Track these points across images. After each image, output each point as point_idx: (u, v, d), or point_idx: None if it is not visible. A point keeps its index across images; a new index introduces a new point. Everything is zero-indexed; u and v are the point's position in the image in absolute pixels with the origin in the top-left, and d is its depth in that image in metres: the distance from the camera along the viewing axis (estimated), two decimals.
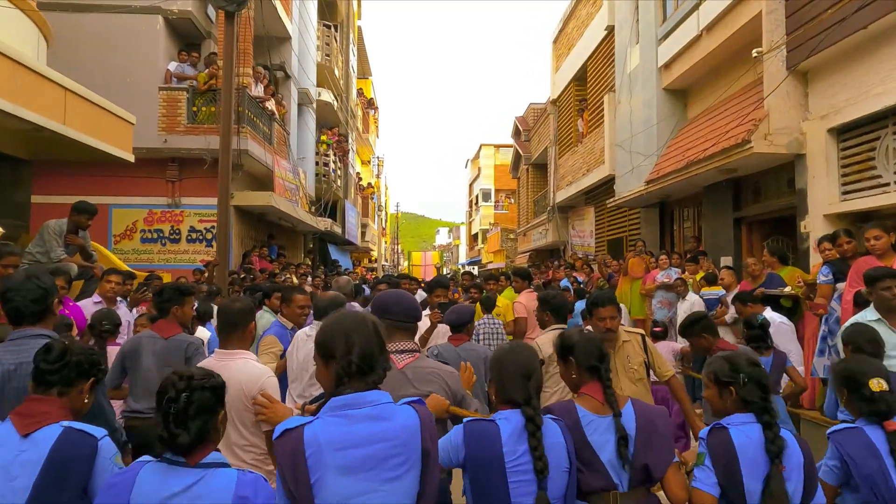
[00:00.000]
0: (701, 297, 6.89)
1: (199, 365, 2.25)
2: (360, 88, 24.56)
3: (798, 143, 6.68)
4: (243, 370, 2.44)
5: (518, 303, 6.53)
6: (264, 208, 11.54)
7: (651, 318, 9.03)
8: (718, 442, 1.95)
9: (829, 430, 2.25)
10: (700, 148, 8.18)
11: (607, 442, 1.99)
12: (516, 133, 23.33)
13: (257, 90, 11.70)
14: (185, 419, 1.51)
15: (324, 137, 17.01)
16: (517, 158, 23.82)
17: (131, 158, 8.22)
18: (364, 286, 10.07)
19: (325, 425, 1.49)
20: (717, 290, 6.71)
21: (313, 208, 15.78)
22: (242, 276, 9.48)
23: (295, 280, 12.51)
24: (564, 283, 12.68)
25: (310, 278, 12.81)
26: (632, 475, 1.98)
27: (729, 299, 6.51)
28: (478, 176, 46.45)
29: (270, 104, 12.20)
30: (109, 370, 3.21)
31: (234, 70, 10.00)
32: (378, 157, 33.73)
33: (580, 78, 15.60)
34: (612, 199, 11.91)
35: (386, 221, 52.99)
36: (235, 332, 2.55)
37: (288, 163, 13.25)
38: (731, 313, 6.55)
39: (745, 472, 1.89)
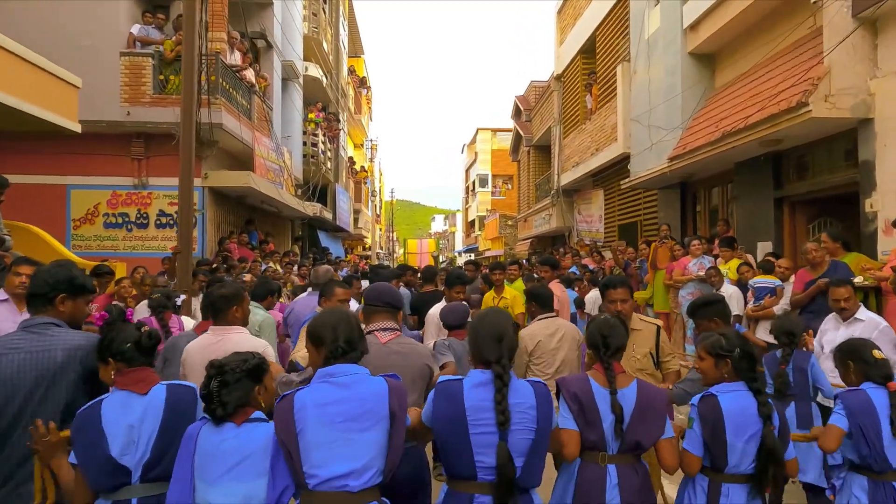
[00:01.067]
0: (753, 285, 5.87)
1: (194, 342, 2.92)
2: (352, 66, 23.29)
3: (865, 105, 5.61)
4: (240, 343, 2.66)
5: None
6: (243, 190, 10.40)
7: (676, 312, 8.04)
8: (708, 407, 2.27)
9: (837, 391, 2.71)
10: (737, 117, 7.10)
11: (609, 412, 2.19)
12: (516, 113, 22.14)
13: (233, 58, 10.51)
14: (220, 398, 1.89)
15: (311, 115, 15.82)
16: (517, 140, 22.66)
17: (77, 128, 7.08)
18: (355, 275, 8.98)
19: (311, 390, 1.94)
20: (772, 280, 5.68)
21: (300, 191, 14.62)
22: (213, 265, 8.39)
23: (279, 269, 11.46)
24: (573, 270, 11.69)
25: (296, 268, 11.76)
26: (624, 443, 2.19)
27: (786, 289, 5.49)
28: (474, 161, 45.37)
29: (249, 74, 11.01)
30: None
31: (203, 30, 8.81)
32: (371, 140, 32.47)
33: (588, 50, 14.44)
34: (626, 180, 10.84)
35: (381, 208, 51.80)
36: (221, 314, 2.86)
37: (270, 141, 12.09)
38: (783, 304, 5.55)
39: (729, 431, 2.20)
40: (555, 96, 16.81)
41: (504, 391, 1.97)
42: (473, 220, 45.81)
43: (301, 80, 15.41)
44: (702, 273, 7.24)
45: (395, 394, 1.94)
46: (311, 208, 15.44)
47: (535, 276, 8.07)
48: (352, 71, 22.96)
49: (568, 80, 15.82)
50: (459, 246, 55.35)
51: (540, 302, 3.76)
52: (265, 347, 2.83)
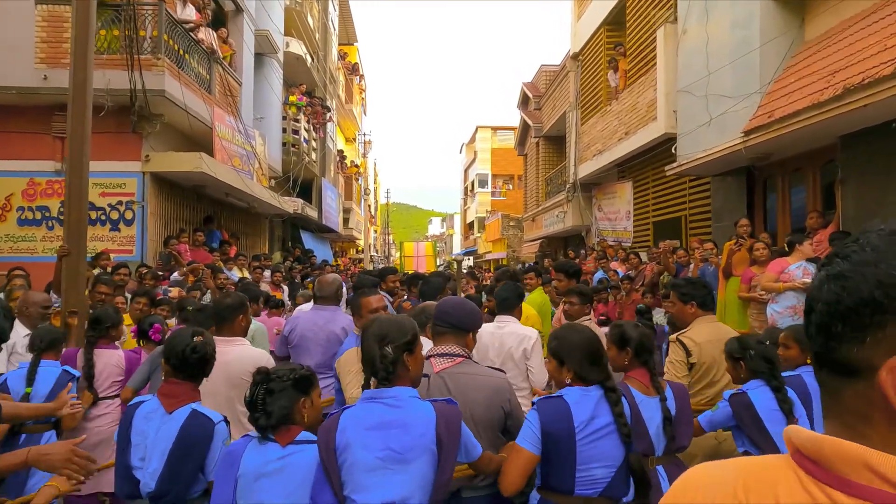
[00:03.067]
0: None
1: None
2: (343, 51, 21.22)
3: None
4: (244, 354, 2.76)
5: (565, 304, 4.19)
6: (195, 177, 8.30)
7: (758, 332, 6.01)
8: (738, 401, 2.55)
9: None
10: (860, 68, 5.08)
11: (653, 418, 2.30)
12: (524, 102, 20.12)
13: (185, 13, 8.43)
14: (264, 406, 1.80)
15: (293, 98, 13.73)
16: (524, 131, 20.62)
17: None
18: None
19: (355, 410, 1.81)
20: None
21: (274, 183, 12.50)
22: (144, 271, 6.30)
23: (246, 275, 9.38)
24: (600, 275, 9.67)
25: (268, 273, 9.68)
26: (666, 444, 2.34)
27: None
28: (473, 160, 43.59)
29: (207, 37, 8.93)
30: (136, 372, 3.32)
31: None
32: (365, 135, 30.37)
33: (614, 21, 12.42)
34: (671, 166, 8.80)
35: (375, 209, 49.69)
36: (225, 324, 2.81)
37: (238, 122, 10.01)
38: None
39: (765, 420, 2.48)
40: (571, 78, 14.79)
41: (621, 406, 1.99)
42: (472, 222, 44.07)
43: (281, 56, 13.34)
44: (808, 279, 5.22)
45: (445, 420, 1.79)
46: (291, 204, 13.36)
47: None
48: (343, 56, 20.91)
49: (588, 58, 13.80)
50: (458, 249, 53.38)
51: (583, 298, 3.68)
52: (266, 359, 2.82)
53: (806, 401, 2.69)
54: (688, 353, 3.02)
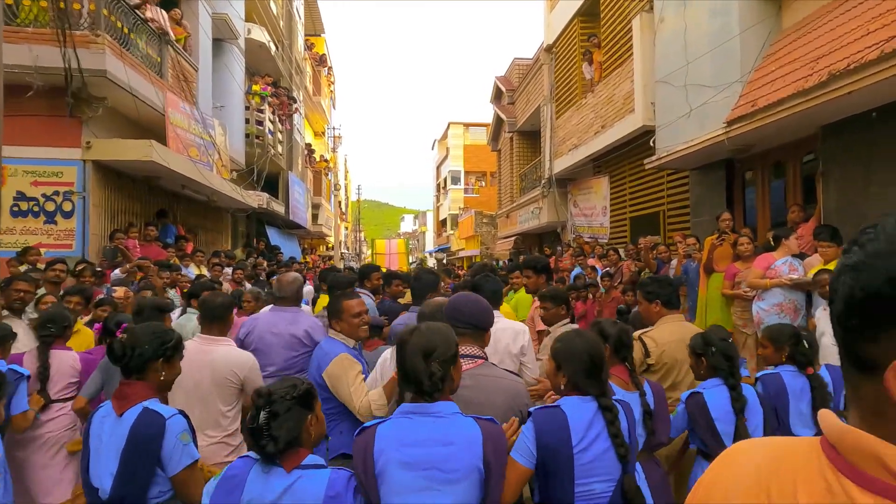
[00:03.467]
0: None
1: (191, 345, 2.77)
2: (310, 42, 20.51)
3: None
4: (230, 354, 2.82)
5: (539, 309, 3.92)
6: (145, 167, 7.66)
7: (745, 332, 5.76)
8: (694, 403, 2.56)
9: (757, 374, 2.94)
10: (844, 53, 4.85)
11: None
12: (497, 96, 19.79)
13: None
14: (270, 432, 1.61)
15: (256, 87, 13.07)
16: (498, 126, 20.30)
17: None
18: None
19: (393, 425, 1.69)
20: None
21: (235, 175, 11.86)
22: (81, 267, 5.69)
23: (204, 272, 8.80)
24: (578, 272, 9.38)
25: (229, 270, 9.11)
26: (646, 438, 2.34)
27: None
28: (446, 157, 43.25)
29: (157, 16, 8.28)
30: (89, 380, 3.16)
31: None
32: (334, 129, 29.62)
33: (588, 11, 12.16)
34: (650, 159, 8.54)
35: (346, 206, 48.84)
36: (216, 322, 2.88)
37: (194, 110, 9.36)
38: None
39: (718, 419, 2.49)
40: (545, 71, 14.50)
41: (617, 424, 1.88)
42: (445, 219, 43.74)
43: (242, 42, 12.67)
44: (795, 276, 4.99)
45: (491, 441, 1.69)
46: (256, 198, 12.72)
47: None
48: (309, 46, 20.21)
49: (562, 51, 13.51)
50: (430, 246, 52.99)
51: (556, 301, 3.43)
52: (253, 361, 2.86)
53: (782, 399, 2.73)
54: (646, 353, 2.97)
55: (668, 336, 2.96)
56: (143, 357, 2.07)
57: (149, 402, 2.00)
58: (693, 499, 0.74)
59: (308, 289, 9.18)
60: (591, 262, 9.99)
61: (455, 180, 41.08)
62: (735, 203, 7.65)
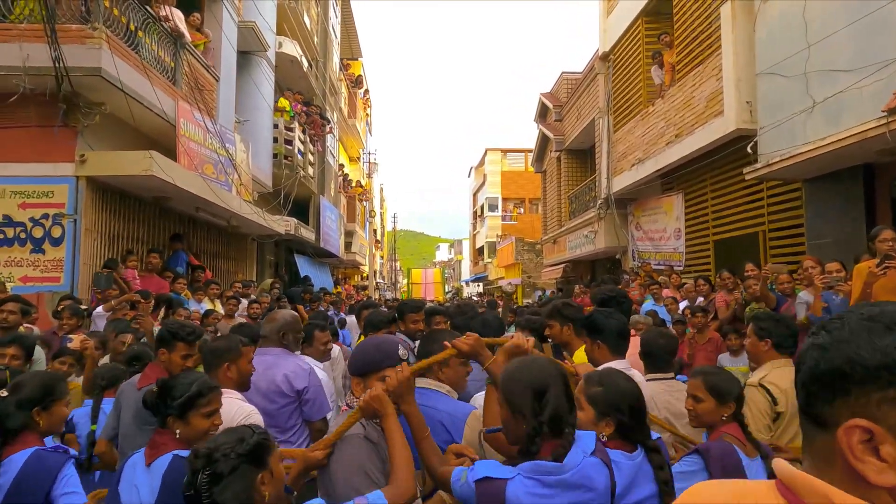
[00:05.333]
0: None
1: None
2: (346, 62, 19.74)
3: None
4: (229, 410, 2.24)
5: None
6: (148, 184, 6.51)
7: None
8: None
9: None
10: None
11: None
12: (542, 114, 18.47)
13: None
14: (211, 499, 1.40)
15: (283, 103, 12.08)
16: (543, 146, 18.92)
17: None
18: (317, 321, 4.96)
19: (525, 486, 1.46)
20: None
21: (257, 196, 10.74)
22: (61, 307, 4.47)
23: (218, 307, 7.63)
24: (650, 305, 7.81)
25: (244, 302, 7.91)
26: None
27: None
28: (483, 184, 42.45)
29: (172, 17, 7.29)
30: (105, 422, 2.93)
31: None
32: (370, 154, 28.80)
33: (654, 11, 10.79)
34: (750, 168, 6.96)
35: (383, 235, 48.07)
36: (212, 371, 2.41)
37: (211, 122, 8.30)
38: None
39: None
40: (600, 81, 13.10)
41: (667, 471, 1.68)
42: (482, 247, 42.64)
43: (272, 56, 11.75)
44: None
45: None
46: (283, 224, 11.59)
47: None
48: (345, 67, 19.43)
49: (621, 56, 12.12)
50: (466, 275, 51.64)
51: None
52: (256, 415, 2.39)
53: None
54: (773, 401, 2.56)
55: (787, 382, 2.57)
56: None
57: (179, 451, 1.85)
58: None
59: (352, 320, 7.81)
60: (667, 293, 8.38)
61: (492, 207, 40.20)
62: (879, 219, 5.96)
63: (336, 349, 5.11)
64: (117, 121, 6.58)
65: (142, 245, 7.21)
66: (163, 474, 1.81)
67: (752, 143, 7.08)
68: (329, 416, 3.32)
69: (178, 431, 1.93)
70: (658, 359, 2.78)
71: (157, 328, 5.73)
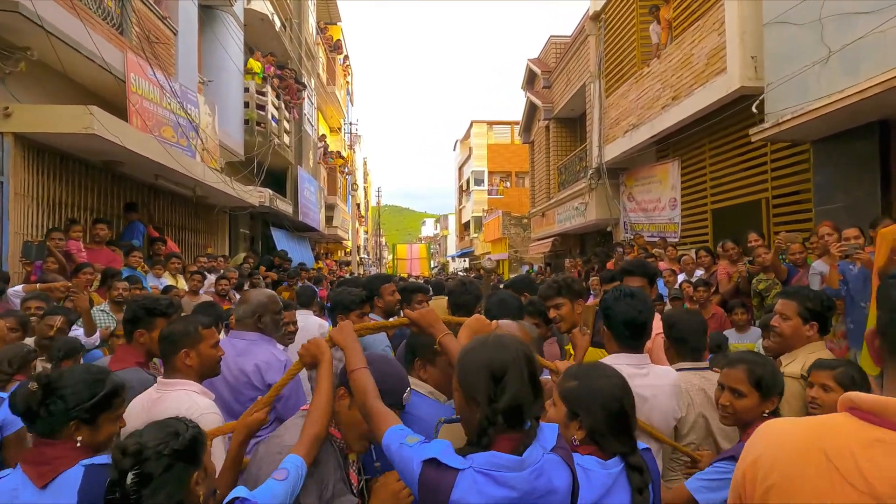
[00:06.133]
0: None
1: (137, 398, 2.09)
2: (324, 24, 18.73)
3: None
4: (181, 402, 1.99)
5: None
6: (90, 145, 5.79)
7: None
8: None
9: None
10: None
11: None
12: (529, 81, 17.74)
13: None
14: (140, 501, 1.27)
15: (254, 64, 11.26)
16: (531, 115, 18.24)
17: None
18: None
19: (477, 484, 1.25)
20: None
21: (225, 164, 10.01)
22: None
23: (180, 283, 7.06)
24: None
25: (211, 278, 7.34)
26: None
27: None
28: (468, 157, 41.67)
29: None
30: None
31: None
32: (351, 124, 27.83)
33: None
34: (756, 129, 6.43)
35: (367, 209, 47.22)
36: (168, 358, 2.13)
37: (169, 80, 7.54)
38: None
39: None
40: (591, 43, 12.43)
41: (647, 494, 1.49)
42: (468, 222, 42.17)
43: (240, 12, 10.88)
44: None
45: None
46: (257, 195, 10.90)
47: None
48: (323, 29, 18.43)
49: (613, 15, 11.43)
50: (453, 250, 51.18)
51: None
52: (212, 415, 2.01)
53: None
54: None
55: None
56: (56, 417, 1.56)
57: (87, 460, 1.53)
58: (740, 476, 0.93)
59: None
60: (663, 265, 7.92)
61: (478, 181, 39.54)
62: (893, 180, 5.50)
63: (318, 324, 4.57)
64: (52, 72, 5.84)
65: (90, 214, 6.53)
66: (78, 491, 1.51)
67: (758, 101, 6.54)
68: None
69: (79, 439, 1.60)
70: (689, 343, 2.30)
71: (104, 305, 5.15)
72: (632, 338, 2.00)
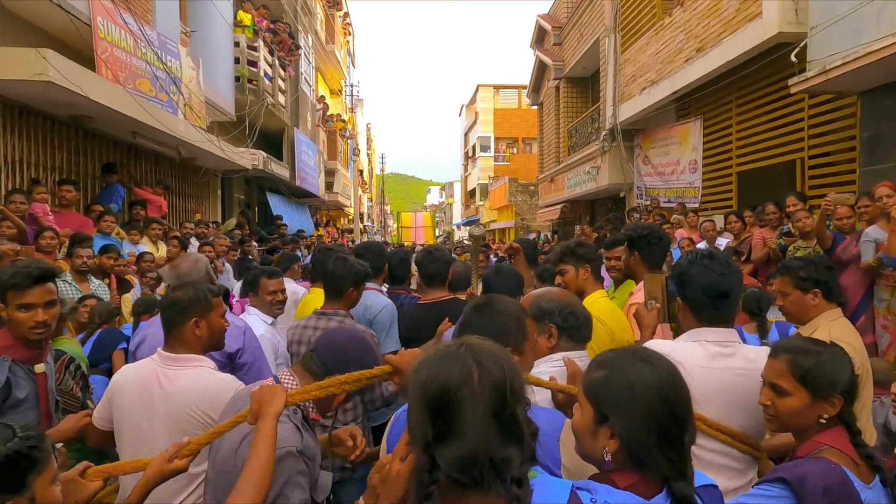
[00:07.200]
0: None
1: (123, 374, 1.93)
2: None
3: None
4: (200, 381, 1.83)
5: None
6: (47, 95, 5.17)
7: None
8: None
9: None
10: None
11: None
12: (539, 38, 16.80)
13: None
14: None
15: (244, 16, 10.48)
16: (540, 75, 17.34)
17: None
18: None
19: None
20: None
21: (211, 123, 9.36)
22: None
23: (159, 249, 6.59)
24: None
25: (194, 245, 6.88)
26: None
27: None
28: (474, 123, 40.75)
29: None
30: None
31: None
32: (352, 86, 26.87)
33: None
34: (795, 80, 5.74)
35: (371, 176, 46.46)
36: (173, 332, 1.91)
37: (146, 29, 6.85)
38: None
39: None
40: None
41: None
42: (474, 190, 41.55)
43: None
44: None
45: None
46: (249, 157, 10.29)
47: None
48: None
49: None
50: (458, 218, 50.64)
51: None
52: (236, 388, 1.80)
53: None
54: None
55: (855, 336, 2.11)
56: None
57: None
58: None
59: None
60: (681, 233, 7.36)
61: (484, 147, 38.73)
62: None
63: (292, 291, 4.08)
64: (11, 16, 5.18)
65: (58, 175, 5.96)
66: None
67: (799, 48, 5.81)
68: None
69: None
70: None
71: (65, 275, 4.64)
72: (713, 307, 1.69)
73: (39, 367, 1.89)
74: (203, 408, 1.78)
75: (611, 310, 2.50)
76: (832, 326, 2.13)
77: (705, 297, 1.68)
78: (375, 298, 3.04)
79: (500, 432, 0.94)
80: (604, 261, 3.13)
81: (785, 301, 2.27)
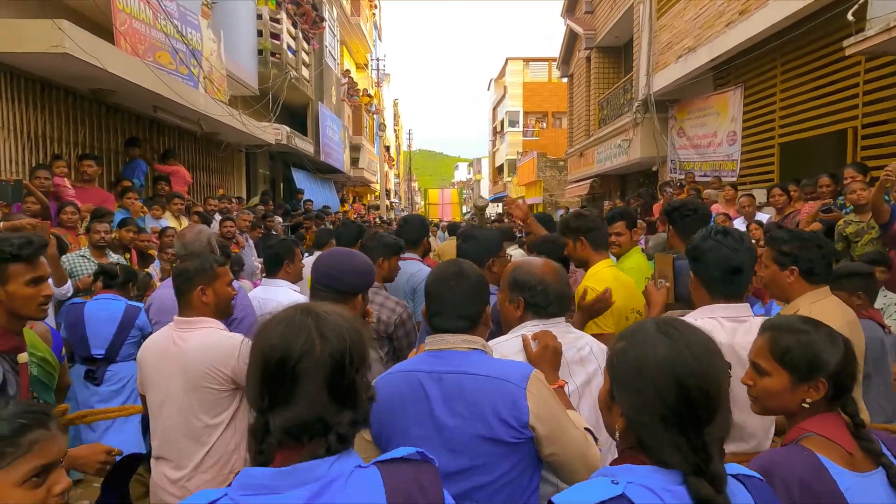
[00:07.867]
0: None
1: (150, 339, 2.15)
2: None
3: None
4: (210, 341, 1.99)
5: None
6: (65, 67, 5.10)
7: None
8: None
9: None
10: None
11: None
12: (570, 7, 16.16)
13: None
14: None
15: None
16: (570, 45, 16.72)
17: None
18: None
19: None
20: None
21: (231, 97, 9.25)
22: None
23: (182, 223, 6.58)
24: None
25: (217, 220, 6.85)
26: None
27: None
28: (503, 97, 40.06)
29: None
30: None
31: None
32: (378, 60, 26.49)
33: None
34: (852, 40, 5.28)
35: (398, 152, 46.23)
36: (183, 295, 2.09)
37: (164, 0, 6.73)
38: None
39: None
40: None
41: None
42: (502, 166, 41.09)
43: None
44: None
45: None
46: (273, 132, 10.20)
47: None
48: None
49: None
50: (486, 195, 50.12)
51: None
52: (239, 345, 1.93)
53: None
54: None
55: (838, 318, 1.79)
56: None
57: None
58: None
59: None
60: (717, 208, 6.98)
61: (513, 122, 38.13)
62: None
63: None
64: None
65: (80, 150, 5.96)
66: None
67: (857, 6, 5.33)
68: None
69: None
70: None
71: (84, 250, 4.63)
72: (726, 282, 1.75)
73: (23, 357, 1.70)
74: (213, 362, 1.94)
75: (613, 279, 2.43)
76: (812, 308, 1.95)
77: (718, 273, 1.74)
78: (418, 267, 3.12)
79: (334, 400, 0.95)
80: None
81: (764, 274, 2.14)
